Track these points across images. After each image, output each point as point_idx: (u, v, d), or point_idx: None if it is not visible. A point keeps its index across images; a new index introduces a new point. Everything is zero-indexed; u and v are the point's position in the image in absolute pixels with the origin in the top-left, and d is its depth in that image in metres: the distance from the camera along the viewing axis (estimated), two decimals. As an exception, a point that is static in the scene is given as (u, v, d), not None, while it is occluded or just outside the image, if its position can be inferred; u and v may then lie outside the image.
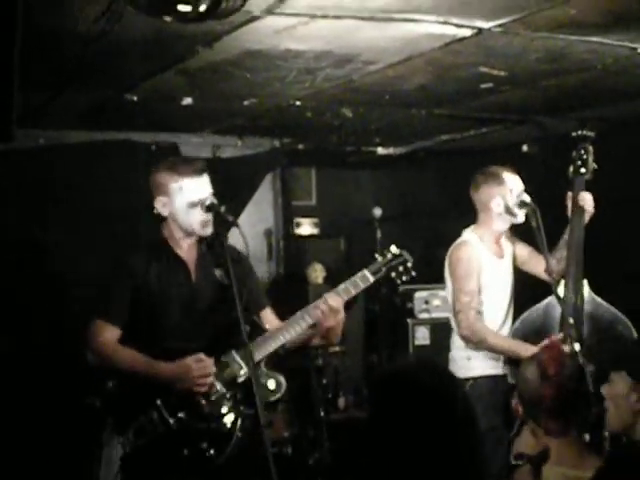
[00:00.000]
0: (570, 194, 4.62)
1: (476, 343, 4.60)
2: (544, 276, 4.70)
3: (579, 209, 4.57)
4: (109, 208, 5.94)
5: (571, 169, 4.63)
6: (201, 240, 3.94)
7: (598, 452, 3.12)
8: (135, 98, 4.93)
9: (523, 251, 4.92)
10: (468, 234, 4.80)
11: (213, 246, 3.88)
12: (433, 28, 3.59)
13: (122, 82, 4.61)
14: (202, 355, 3.70)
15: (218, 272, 3.78)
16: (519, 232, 4.88)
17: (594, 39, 3.80)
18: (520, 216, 4.69)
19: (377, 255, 4.00)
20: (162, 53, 3.92)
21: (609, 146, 4.79)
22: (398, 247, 4.04)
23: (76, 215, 5.92)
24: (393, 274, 4.00)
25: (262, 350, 3.78)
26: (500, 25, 3.55)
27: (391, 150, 7.50)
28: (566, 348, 4.14)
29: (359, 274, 3.91)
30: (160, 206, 3.87)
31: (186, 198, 3.80)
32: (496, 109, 5.56)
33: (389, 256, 3.99)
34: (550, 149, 6.59)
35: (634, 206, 5.69)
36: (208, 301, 3.91)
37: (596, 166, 4.63)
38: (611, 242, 5.64)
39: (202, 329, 3.85)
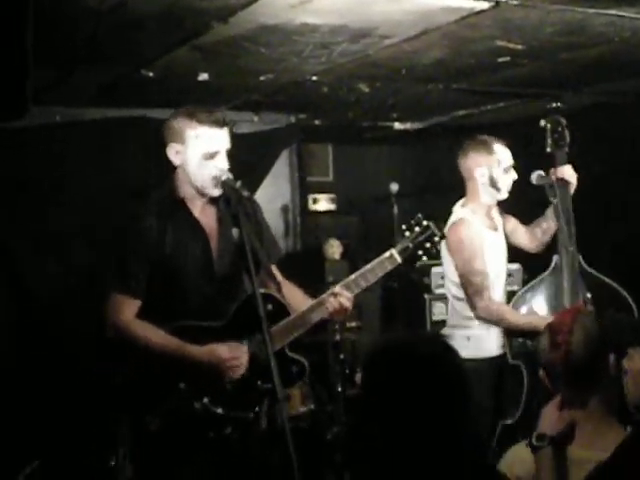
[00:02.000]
0: (553, 169, 4.60)
1: (495, 323, 4.56)
2: (529, 247, 4.81)
3: (563, 182, 4.55)
4: (125, 185, 5.93)
5: (549, 143, 4.60)
6: (215, 200, 3.72)
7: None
8: (151, 74, 4.91)
9: (509, 223, 4.88)
10: (461, 210, 4.72)
11: (228, 204, 3.60)
12: (449, 1, 3.57)
13: (137, 58, 4.59)
14: (235, 344, 3.59)
15: (235, 232, 3.55)
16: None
17: (612, 12, 3.77)
18: (503, 192, 4.66)
19: (404, 229, 3.80)
20: (177, 29, 3.91)
21: (629, 118, 4.74)
22: (426, 218, 3.84)
23: (91, 192, 5.91)
24: (420, 252, 3.83)
25: (286, 335, 3.66)
26: (516, -3, 3.53)
27: (408, 125, 7.47)
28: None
29: (386, 254, 3.75)
30: (172, 153, 3.65)
31: (202, 148, 3.59)
32: (514, 83, 5.52)
33: (417, 230, 3.79)
34: (570, 124, 6.57)
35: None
36: (229, 269, 3.73)
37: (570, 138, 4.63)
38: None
39: (224, 302, 3.68)
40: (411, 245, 3.78)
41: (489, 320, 4.57)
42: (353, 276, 3.74)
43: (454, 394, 2.24)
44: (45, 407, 5.42)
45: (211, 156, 3.60)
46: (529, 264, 4.92)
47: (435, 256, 4.00)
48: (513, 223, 4.88)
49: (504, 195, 4.67)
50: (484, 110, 6.56)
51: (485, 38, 4.24)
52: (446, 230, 4.63)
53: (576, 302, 4.36)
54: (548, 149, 4.62)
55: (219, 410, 3.57)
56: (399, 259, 3.75)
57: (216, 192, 3.64)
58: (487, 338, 4.62)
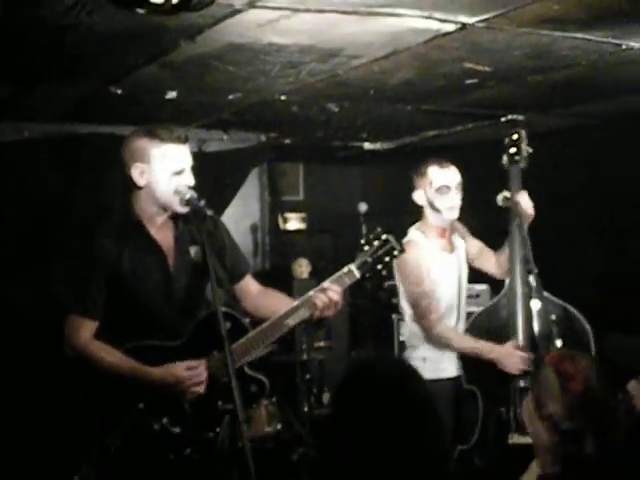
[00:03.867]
0: (505, 193, 4.50)
1: (442, 346, 4.53)
2: (494, 273, 4.71)
3: (516, 210, 4.42)
4: (94, 202, 5.89)
5: (505, 158, 4.51)
6: (175, 217, 3.65)
7: None
8: (120, 91, 4.89)
9: (473, 247, 4.81)
10: (412, 232, 4.67)
11: (189, 222, 3.60)
12: (417, 23, 3.58)
13: (106, 75, 4.58)
14: (193, 362, 3.53)
15: (194, 249, 3.57)
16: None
17: (578, 35, 3.80)
18: (447, 213, 4.55)
19: (363, 243, 3.73)
20: (145, 46, 3.89)
21: (597, 141, 4.75)
22: (385, 232, 3.75)
23: (59, 209, 5.88)
24: (379, 266, 3.73)
25: (245, 354, 3.58)
26: (484, 20, 3.54)
27: (378, 145, 7.49)
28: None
29: (344, 269, 3.70)
30: (137, 174, 3.54)
31: (169, 166, 3.52)
32: (482, 105, 5.55)
33: (375, 244, 3.72)
34: (538, 145, 6.60)
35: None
36: (187, 285, 3.67)
37: (530, 151, 4.51)
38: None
39: (182, 321, 3.64)
40: (370, 259, 3.70)
41: (436, 343, 4.55)
42: (312, 292, 3.68)
43: (419, 417, 2.23)
44: (9, 422, 5.37)
45: (177, 173, 3.55)
46: (498, 284, 4.90)
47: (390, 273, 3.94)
48: (478, 247, 4.81)
49: (449, 216, 4.57)
50: (453, 131, 6.59)
51: (453, 60, 4.26)
52: None
53: (525, 325, 4.33)
54: (503, 164, 4.52)
55: (178, 430, 3.53)
56: (357, 274, 3.69)
57: (180, 209, 3.58)
58: (443, 359, 4.58)
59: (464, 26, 3.63)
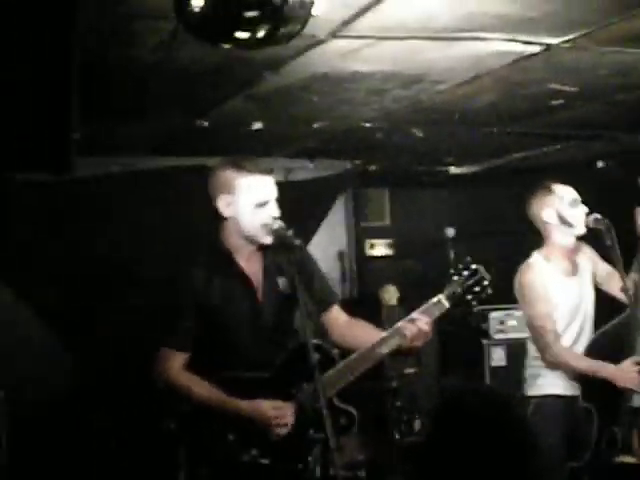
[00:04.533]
0: (638, 209, 4.43)
1: (558, 365, 4.50)
2: (621, 296, 4.54)
3: None
4: (184, 233, 5.98)
5: None
6: (263, 248, 3.68)
7: None
8: (206, 124, 4.98)
9: (602, 270, 4.74)
10: (534, 256, 4.66)
11: (277, 253, 3.62)
12: (500, 46, 3.56)
13: (192, 108, 4.67)
14: (280, 403, 3.53)
15: (281, 280, 3.60)
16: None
17: (665, 52, 3.74)
18: (579, 226, 4.52)
19: (452, 272, 3.76)
20: (230, 79, 3.96)
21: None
22: (474, 262, 3.80)
23: (151, 241, 5.98)
24: (469, 296, 3.76)
25: (334, 385, 3.58)
26: (567, 41, 3.50)
27: (464, 169, 7.46)
28: None
29: (434, 299, 3.70)
30: (224, 205, 3.59)
31: (254, 197, 3.56)
32: (569, 125, 5.49)
33: (465, 274, 3.75)
34: (626, 164, 6.50)
35: None
36: (275, 318, 3.70)
37: None
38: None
39: (271, 352, 3.65)
40: (460, 289, 3.73)
41: (554, 364, 4.51)
42: (401, 322, 3.68)
43: (519, 459, 2.21)
44: (101, 451, 5.47)
45: (262, 205, 3.59)
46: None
47: (485, 301, 3.92)
48: (606, 271, 4.71)
49: (580, 230, 4.54)
50: (540, 153, 6.52)
51: (538, 81, 4.22)
52: (516, 276, 4.64)
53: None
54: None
55: (267, 462, 3.52)
56: (447, 304, 3.70)
57: (267, 240, 3.61)
58: (556, 376, 4.55)
59: (548, 47, 3.59)
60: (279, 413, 3.53)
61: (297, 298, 3.39)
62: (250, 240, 3.66)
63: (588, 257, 4.74)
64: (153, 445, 4.97)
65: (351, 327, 3.91)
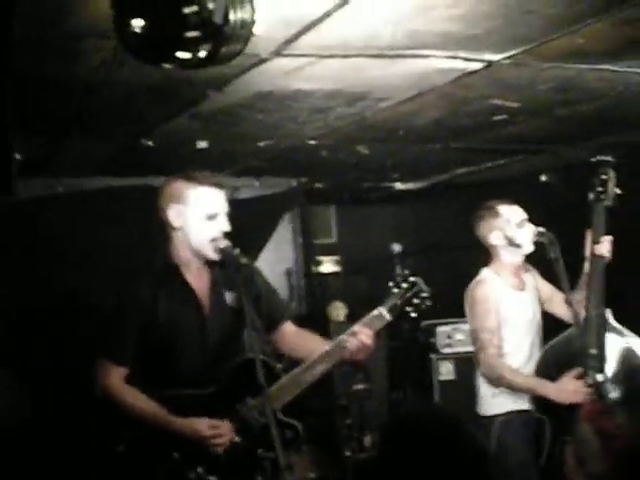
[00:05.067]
0: (589, 233, 4.47)
1: (495, 381, 4.54)
2: (566, 317, 4.60)
3: (598, 258, 4.42)
4: (129, 253, 5.93)
5: (591, 196, 4.49)
6: (211, 264, 3.71)
7: None
8: (151, 143, 4.95)
9: (546, 290, 4.82)
10: (485, 271, 4.74)
11: (225, 267, 3.64)
12: (442, 63, 3.59)
13: (136, 128, 4.64)
14: (216, 422, 3.53)
15: (229, 296, 3.62)
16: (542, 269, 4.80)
17: (604, 67, 3.79)
18: (526, 246, 4.60)
19: (391, 285, 3.84)
20: (173, 98, 3.94)
21: (626, 173, 4.69)
22: (413, 275, 3.88)
23: (96, 261, 5.92)
24: (409, 308, 3.84)
25: (278, 399, 3.60)
26: (509, 57, 3.54)
27: (410, 185, 7.50)
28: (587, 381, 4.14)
29: (375, 312, 3.77)
30: (174, 215, 3.63)
31: (203, 208, 3.60)
32: (512, 140, 5.54)
33: (404, 286, 3.83)
34: (569, 178, 6.57)
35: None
36: (222, 333, 3.71)
37: (619, 192, 4.50)
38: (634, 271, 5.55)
39: (217, 367, 3.66)
40: (399, 302, 3.80)
41: (489, 377, 4.55)
42: (343, 336, 3.73)
43: (468, 468, 2.21)
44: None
45: (212, 217, 3.61)
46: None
47: (432, 315, 3.98)
48: (549, 291, 4.79)
49: (527, 248, 4.62)
50: (484, 168, 6.58)
51: (480, 97, 4.26)
52: (467, 290, 4.72)
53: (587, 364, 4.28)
54: (589, 201, 4.50)
55: (214, 479, 3.52)
56: (388, 316, 3.76)
57: (215, 256, 3.62)
58: (512, 393, 4.57)
59: (490, 64, 3.63)
60: (215, 432, 3.53)
61: (244, 313, 3.39)
62: (197, 255, 3.67)
63: (533, 275, 4.83)
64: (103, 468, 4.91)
65: (300, 338, 3.97)
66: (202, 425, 3.52)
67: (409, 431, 2.26)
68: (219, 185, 3.71)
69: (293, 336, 3.97)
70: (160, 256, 3.75)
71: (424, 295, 3.85)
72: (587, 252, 4.48)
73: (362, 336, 3.68)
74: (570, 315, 4.48)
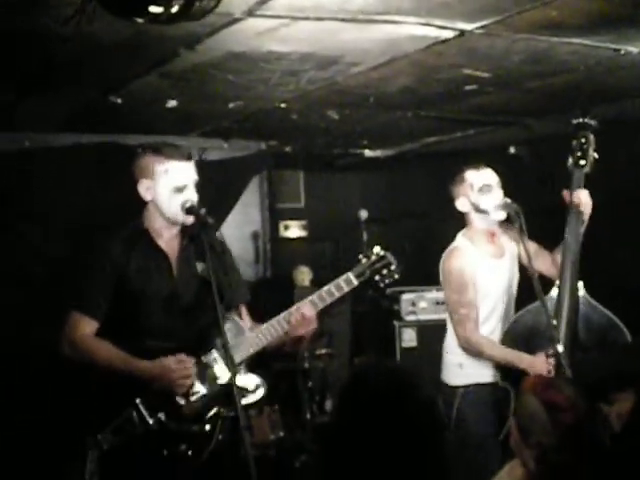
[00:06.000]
0: (567, 191, 4.41)
1: (474, 355, 4.54)
2: (549, 274, 4.55)
3: (575, 208, 4.37)
4: (96, 211, 5.90)
5: (570, 160, 4.42)
6: (184, 232, 3.83)
7: None
8: (119, 100, 4.90)
9: (529, 248, 4.53)
10: (459, 239, 4.67)
11: (196, 238, 3.73)
12: (415, 30, 3.59)
13: (105, 84, 4.59)
14: (183, 356, 3.63)
15: (200, 266, 3.71)
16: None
17: (576, 40, 3.81)
18: (493, 212, 4.51)
19: (361, 257, 3.91)
20: (144, 55, 3.91)
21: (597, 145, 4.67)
22: (383, 248, 3.95)
23: (62, 218, 5.89)
24: (377, 277, 3.91)
25: (242, 352, 3.71)
26: (482, 27, 3.55)
27: (379, 152, 7.50)
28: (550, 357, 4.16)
29: (343, 277, 3.83)
30: (144, 189, 3.75)
31: (171, 181, 3.70)
32: (482, 111, 5.56)
33: (373, 258, 3.89)
34: (538, 151, 6.61)
35: (624, 207, 5.66)
36: (190, 296, 3.82)
37: (597, 156, 4.42)
38: (607, 247, 5.59)
39: (183, 326, 3.77)
40: (368, 271, 3.87)
41: (469, 351, 4.55)
42: (310, 297, 3.82)
43: (419, 423, 2.23)
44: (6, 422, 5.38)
45: (180, 189, 3.71)
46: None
47: (397, 282, 4.01)
48: (533, 249, 4.62)
49: (496, 215, 4.52)
50: (454, 137, 6.59)
51: (452, 66, 4.27)
52: (442, 259, 4.66)
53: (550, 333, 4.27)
54: (568, 166, 4.44)
55: (174, 426, 3.61)
56: (355, 281, 3.83)
57: (189, 220, 3.72)
58: (480, 365, 4.57)
59: (462, 33, 3.64)
60: (181, 365, 3.60)
61: (212, 283, 3.47)
62: (171, 222, 3.79)
63: (511, 238, 4.70)
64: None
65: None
66: (168, 360, 3.60)
67: (363, 387, 2.28)
68: (186, 157, 3.79)
69: (246, 323, 3.99)
70: (133, 222, 3.85)
71: (392, 268, 3.91)
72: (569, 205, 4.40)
73: (304, 309, 3.76)
74: (555, 272, 4.46)
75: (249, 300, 4.11)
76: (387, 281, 3.94)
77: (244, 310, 4.03)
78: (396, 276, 3.95)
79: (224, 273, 3.79)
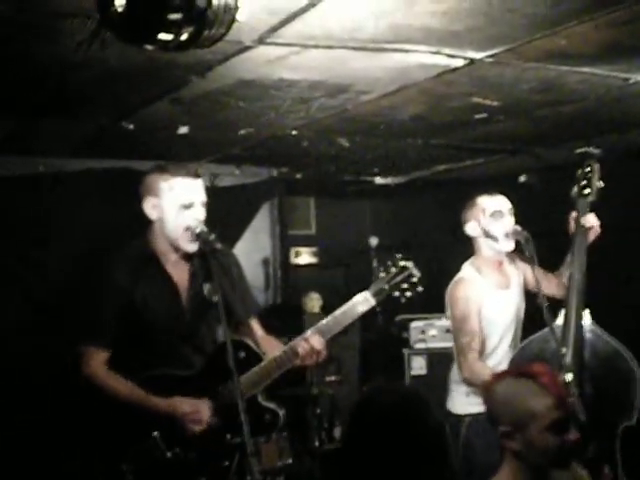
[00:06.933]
0: (573, 215, 4.39)
1: (477, 385, 4.51)
2: (558, 295, 4.50)
3: (581, 230, 4.32)
4: (108, 236, 5.91)
5: (575, 190, 4.41)
6: (189, 256, 3.72)
7: None
8: (131, 127, 4.94)
9: (536, 275, 4.41)
10: (466, 268, 4.63)
11: (203, 259, 3.62)
12: (425, 58, 3.61)
13: (117, 110, 4.63)
14: (197, 402, 3.58)
15: (207, 287, 3.59)
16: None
17: (586, 69, 3.82)
18: (502, 240, 4.48)
19: (380, 270, 3.75)
20: (155, 82, 3.94)
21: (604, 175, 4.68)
22: (403, 258, 3.79)
23: (74, 244, 5.91)
24: (397, 293, 3.74)
25: (256, 385, 3.62)
26: (491, 55, 3.57)
27: (389, 180, 7.52)
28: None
29: (358, 297, 3.69)
30: (149, 207, 3.67)
31: (177, 199, 3.61)
32: (491, 139, 5.57)
33: (393, 270, 3.74)
34: (548, 179, 6.61)
35: (631, 235, 5.65)
36: (199, 323, 3.77)
37: (602, 185, 4.39)
38: (613, 272, 5.58)
39: (194, 356, 3.73)
40: (386, 286, 3.72)
41: (471, 382, 4.51)
42: (325, 321, 3.71)
43: (432, 452, 2.23)
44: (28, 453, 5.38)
45: (186, 207, 3.62)
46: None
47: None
48: (541, 274, 4.54)
49: (505, 246, 4.50)
50: (463, 166, 6.61)
51: (461, 95, 4.29)
52: (448, 288, 4.62)
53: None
54: (572, 195, 4.42)
55: (191, 458, 3.57)
56: (373, 301, 3.69)
57: (191, 247, 3.65)
58: None
59: (472, 61, 3.66)
60: (194, 409, 3.57)
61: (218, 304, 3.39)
62: (174, 246, 3.70)
63: (518, 267, 4.71)
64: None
65: (264, 343, 3.86)
66: (182, 403, 3.57)
67: (374, 405, 2.28)
68: (193, 174, 3.70)
69: (259, 340, 3.87)
70: (137, 243, 3.77)
71: (414, 280, 3.76)
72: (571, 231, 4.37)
73: (313, 341, 3.65)
74: (563, 293, 4.37)
75: (260, 310, 4.07)
76: (408, 295, 3.75)
77: (255, 323, 3.94)
78: (419, 289, 3.77)
79: (232, 288, 3.72)
